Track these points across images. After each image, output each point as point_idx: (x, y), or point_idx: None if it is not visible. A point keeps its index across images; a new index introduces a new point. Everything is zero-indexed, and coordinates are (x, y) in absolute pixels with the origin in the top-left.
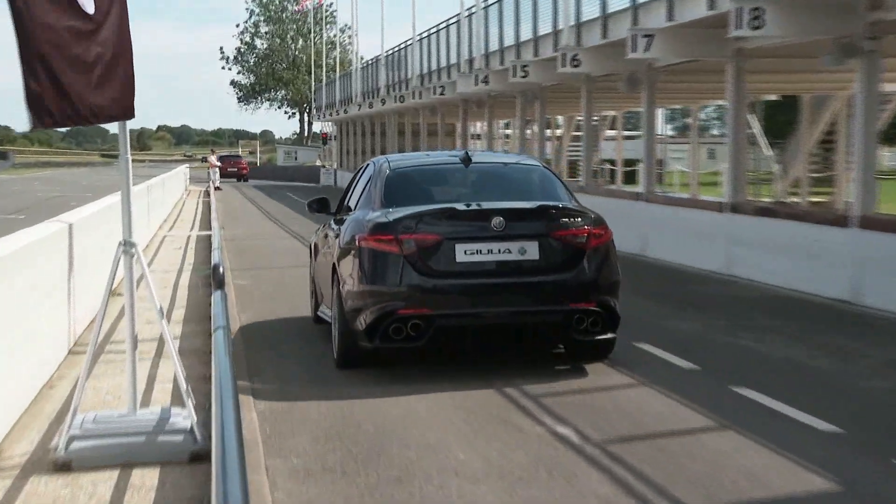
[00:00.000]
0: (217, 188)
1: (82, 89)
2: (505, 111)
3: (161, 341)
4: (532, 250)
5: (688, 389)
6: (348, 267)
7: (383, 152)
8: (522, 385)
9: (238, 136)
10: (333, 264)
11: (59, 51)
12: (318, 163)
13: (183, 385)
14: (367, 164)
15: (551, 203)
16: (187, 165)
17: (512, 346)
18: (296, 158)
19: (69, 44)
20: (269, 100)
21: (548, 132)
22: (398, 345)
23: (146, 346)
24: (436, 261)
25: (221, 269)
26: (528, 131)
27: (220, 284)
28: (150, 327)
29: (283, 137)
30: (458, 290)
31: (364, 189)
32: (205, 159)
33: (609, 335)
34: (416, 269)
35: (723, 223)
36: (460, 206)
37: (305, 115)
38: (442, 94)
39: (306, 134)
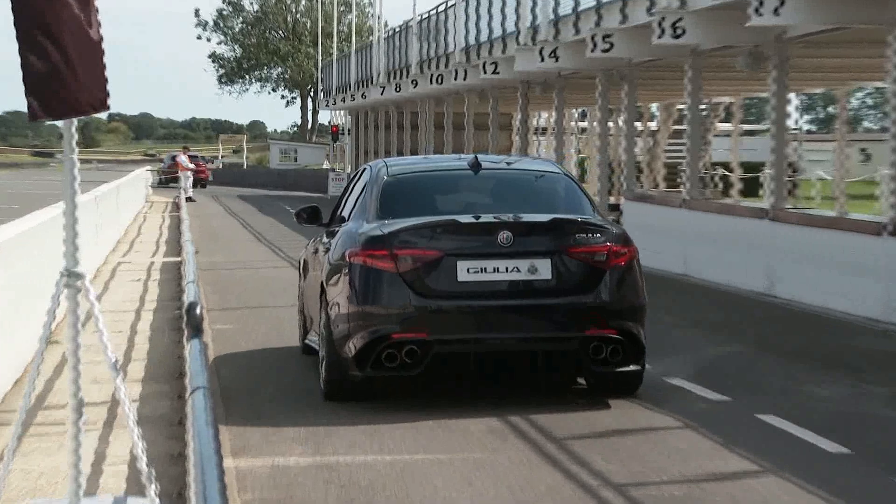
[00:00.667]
0: (189, 199)
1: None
2: (580, 96)
3: (114, 406)
4: (544, 269)
5: (837, 482)
6: (338, 286)
7: (414, 153)
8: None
9: (217, 128)
10: (322, 283)
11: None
12: (326, 165)
13: (144, 466)
14: (364, 168)
15: (567, 216)
16: (149, 168)
17: (521, 377)
18: (295, 160)
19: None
20: (260, 80)
21: (638, 125)
22: (392, 373)
23: (94, 412)
24: (435, 279)
25: (199, 310)
26: (612, 123)
27: (197, 330)
28: (99, 387)
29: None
30: (460, 312)
31: (359, 197)
32: (173, 162)
33: (632, 367)
34: (412, 288)
35: (882, 252)
36: (463, 219)
37: (309, 100)
38: (495, 72)
39: (310, 126)
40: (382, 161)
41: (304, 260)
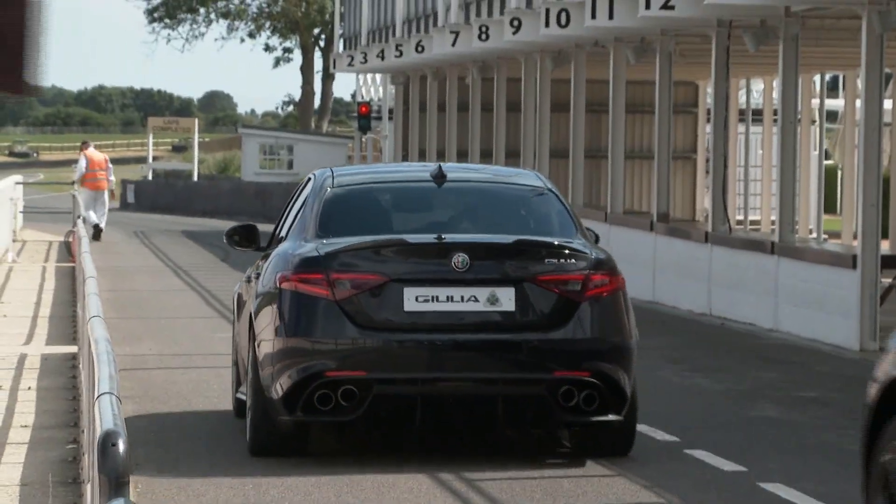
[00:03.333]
0: (97, 229)
1: None
2: (824, 52)
3: None
4: (506, 299)
5: None
6: (266, 317)
7: (513, 153)
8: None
9: (145, 105)
10: (250, 315)
11: None
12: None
13: None
14: (308, 178)
15: (535, 237)
16: (18, 179)
17: (479, 427)
18: (290, 164)
19: None
20: (225, 16)
21: None
22: (326, 418)
23: None
24: (378, 309)
25: (121, 447)
26: (888, 102)
27: (119, 484)
28: None
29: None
30: (406, 348)
31: (299, 212)
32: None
33: (611, 417)
34: (351, 318)
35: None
36: (413, 239)
37: (317, 57)
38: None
39: (318, 105)
40: (329, 169)
41: (239, 294)
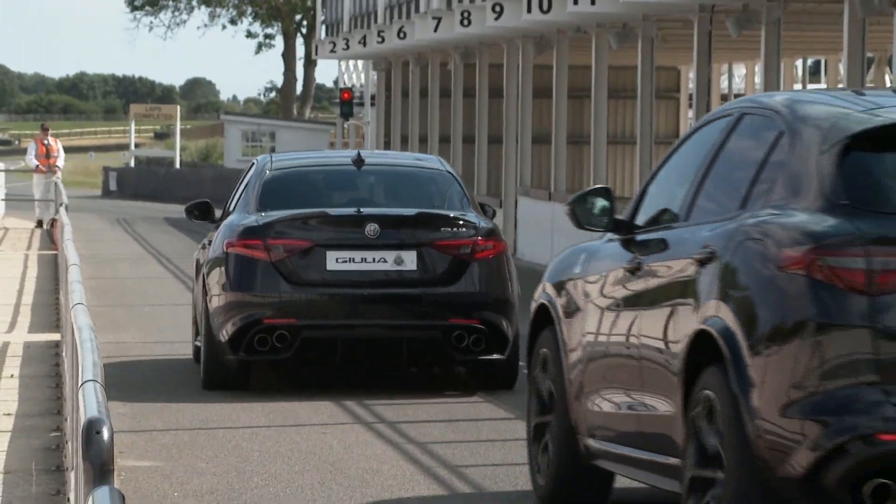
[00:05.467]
0: (49, 220)
1: None
2: (805, 37)
3: None
4: (410, 260)
5: None
6: (215, 276)
7: (495, 138)
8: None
9: (127, 91)
10: (203, 274)
11: None
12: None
13: None
14: (252, 163)
15: (434, 210)
16: (0, 167)
17: (389, 364)
18: (273, 150)
19: None
20: (207, 3)
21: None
22: (263, 357)
23: None
24: (305, 268)
25: (105, 433)
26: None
27: (103, 470)
28: None
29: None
30: (328, 300)
31: (243, 191)
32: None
33: (496, 356)
34: (284, 276)
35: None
36: (333, 211)
37: (299, 43)
38: None
39: (300, 91)
40: (268, 155)
41: (197, 259)
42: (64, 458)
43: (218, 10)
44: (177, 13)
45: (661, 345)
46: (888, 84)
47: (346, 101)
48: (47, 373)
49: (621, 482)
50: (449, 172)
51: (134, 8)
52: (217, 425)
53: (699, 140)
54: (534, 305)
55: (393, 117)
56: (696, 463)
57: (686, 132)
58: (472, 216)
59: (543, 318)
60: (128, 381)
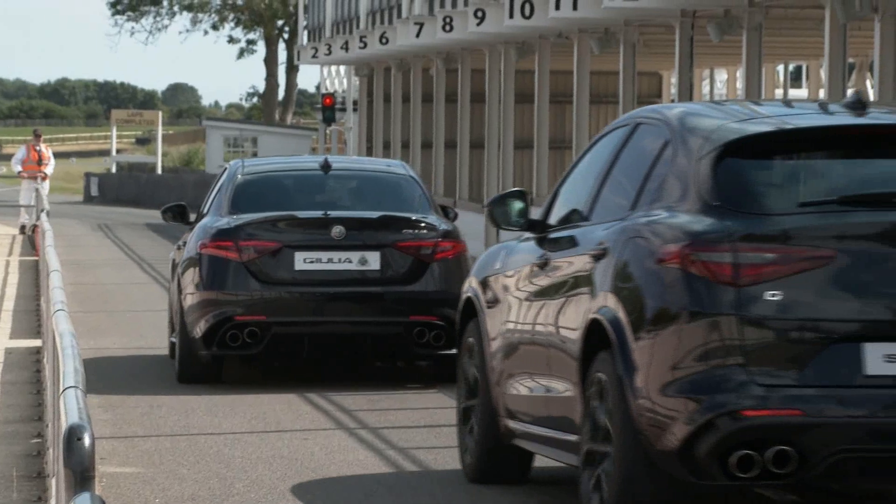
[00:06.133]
0: (31, 226)
1: None
2: (787, 41)
3: None
4: (373, 261)
5: None
6: (190, 275)
7: (477, 144)
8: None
9: (109, 97)
10: (178, 274)
11: None
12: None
13: None
14: (225, 168)
15: (396, 213)
16: None
17: (355, 359)
18: (255, 156)
19: None
20: (189, 8)
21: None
22: (235, 352)
23: None
24: (274, 268)
25: (87, 440)
26: (850, 92)
27: (85, 476)
28: None
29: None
30: (296, 298)
31: (216, 195)
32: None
33: (455, 351)
34: (254, 276)
35: None
36: (301, 214)
37: (281, 49)
38: None
39: (282, 96)
40: (240, 161)
41: (173, 259)
42: (45, 465)
43: (200, 15)
44: (158, 18)
45: (563, 333)
46: (869, 89)
47: (328, 107)
48: (28, 379)
49: (541, 461)
50: (411, 177)
51: (116, 13)
52: (198, 431)
53: (603, 146)
54: (462, 298)
55: (375, 123)
56: (591, 438)
57: (594, 139)
58: (432, 219)
59: (470, 311)
60: (109, 387)
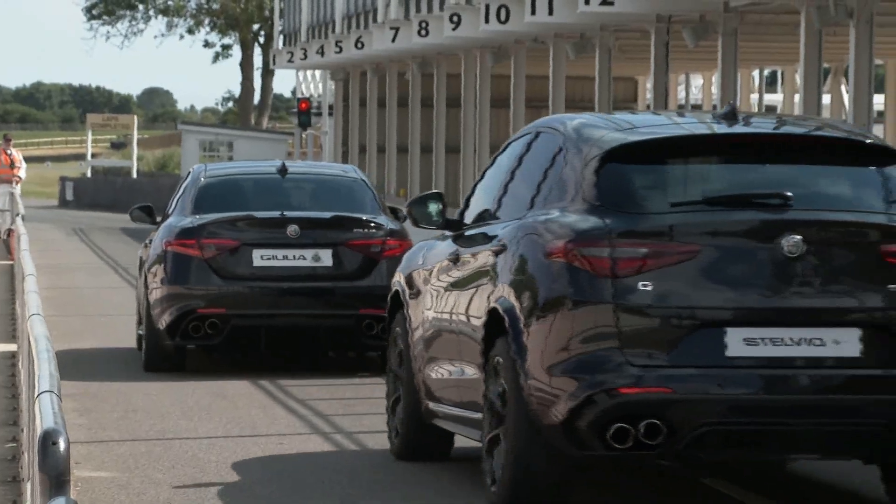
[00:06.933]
0: (6, 230)
1: None
2: (763, 48)
3: None
4: (326, 258)
5: None
6: (155, 271)
7: (454, 150)
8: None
9: (84, 101)
10: (145, 270)
11: None
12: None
13: None
14: (189, 172)
15: (347, 214)
16: None
17: (309, 350)
18: (230, 160)
19: None
20: (164, 12)
21: (878, 101)
22: (197, 342)
23: None
24: (234, 264)
25: (62, 444)
26: (826, 97)
27: (60, 481)
28: None
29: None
30: (254, 292)
31: (181, 196)
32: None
33: None
34: (215, 271)
35: None
36: (259, 214)
37: (257, 53)
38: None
39: (258, 100)
40: (204, 165)
41: (140, 256)
42: (20, 469)
43: (175, 19)
44: (134, 22)
45: (470, 321)
46: (844, 94)
47: (304, 111)
48: (3, 383)
49: (462, 441)
50: (362, 180)
51: (91, 17)
52: (174, 436)
53: (510, 152)
54: (391, 292)
55: (351, 127)
56: (490, 415)
57: (503, 145)
58: (381, 219)
59: (397, 303)
60: (85, 391)
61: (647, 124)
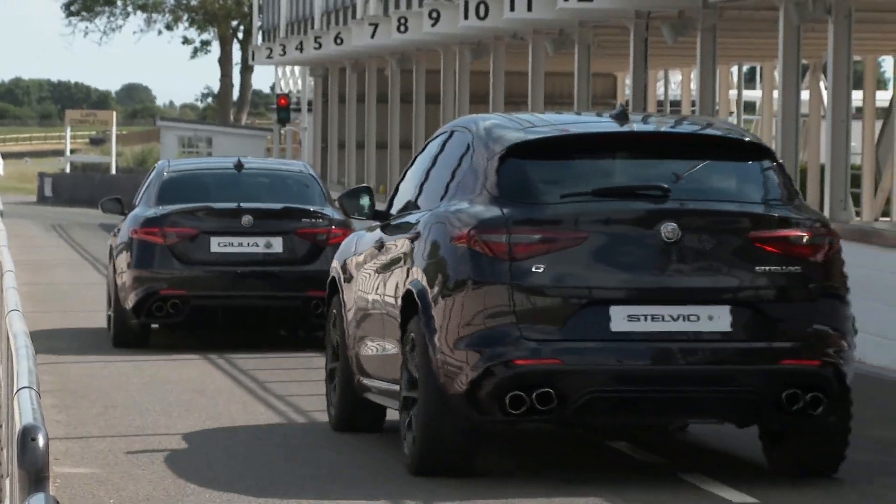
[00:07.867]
0: None
1: None
2: (744, 43)
3: None
4: (277, 245)
5: None
6: (123, 257)
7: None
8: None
9: (62, 97)
10: (113, 257)
11: None
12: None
13: None
14: (153, 167)
15: (297, 205)
16: None
17: (261, 328)
18: (210, 154)
19: None
20: (143, 8)
21: (857, 97)
22: (160, 320)
23: None
24: (194, 251)
25: (41, 441)
26: (805, 92)
27: (39, 478)
28: None
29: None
30: (212, 275)
31: (146, 189)
32: None
33: None
34: (177, 257)
35: None
36: (216, 205)
37: (236, 49)
38: None
39: (237, 97)
40: (167, 161)
41: (110, 244)
42: None
43: (154, 15)
44: (112, 18)
45: (390, 301)
46: (823, 90)
47: (283, 107)
48: None
49: (393, 414)
50: (311, 175)
51: (70, 13)
52: (153, 432)
53: (429, 149)
54: (329, 277)
55: (330, 123)
56: (406, 387)
57: (425, 142)
58: (327, 210)
59: (334, 287)
60: (64, 387)
61: (545, 124)
